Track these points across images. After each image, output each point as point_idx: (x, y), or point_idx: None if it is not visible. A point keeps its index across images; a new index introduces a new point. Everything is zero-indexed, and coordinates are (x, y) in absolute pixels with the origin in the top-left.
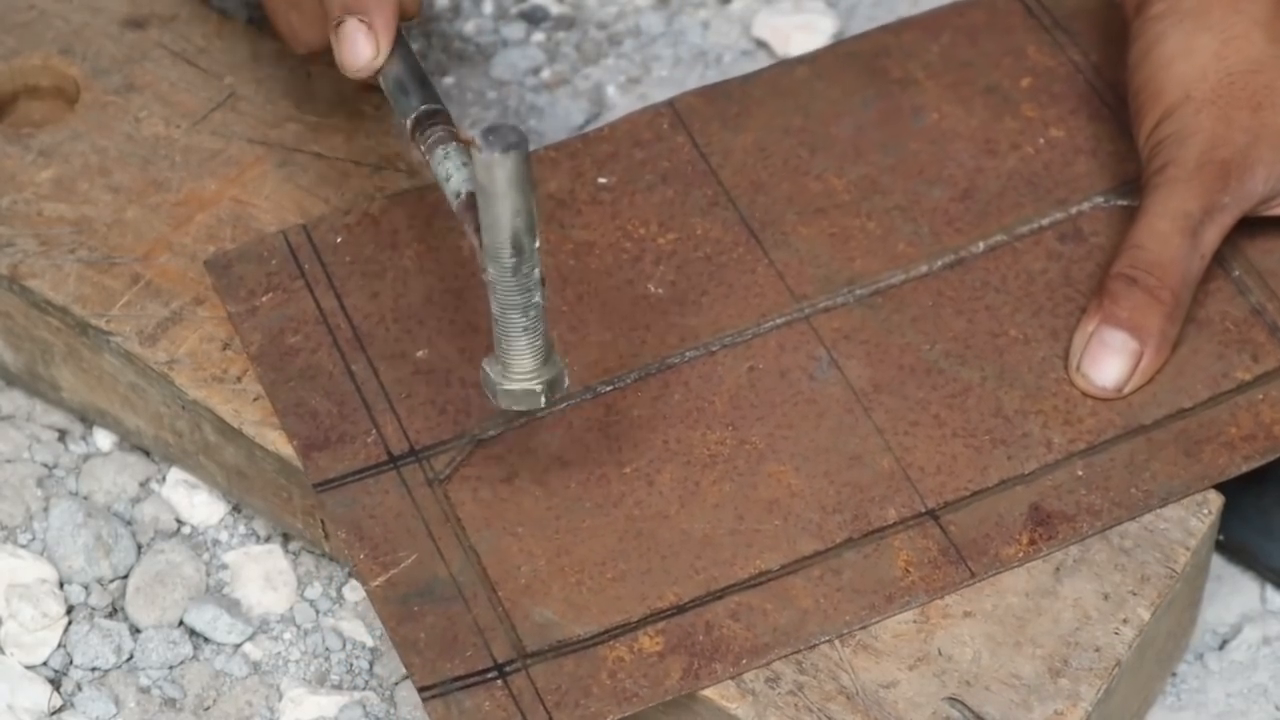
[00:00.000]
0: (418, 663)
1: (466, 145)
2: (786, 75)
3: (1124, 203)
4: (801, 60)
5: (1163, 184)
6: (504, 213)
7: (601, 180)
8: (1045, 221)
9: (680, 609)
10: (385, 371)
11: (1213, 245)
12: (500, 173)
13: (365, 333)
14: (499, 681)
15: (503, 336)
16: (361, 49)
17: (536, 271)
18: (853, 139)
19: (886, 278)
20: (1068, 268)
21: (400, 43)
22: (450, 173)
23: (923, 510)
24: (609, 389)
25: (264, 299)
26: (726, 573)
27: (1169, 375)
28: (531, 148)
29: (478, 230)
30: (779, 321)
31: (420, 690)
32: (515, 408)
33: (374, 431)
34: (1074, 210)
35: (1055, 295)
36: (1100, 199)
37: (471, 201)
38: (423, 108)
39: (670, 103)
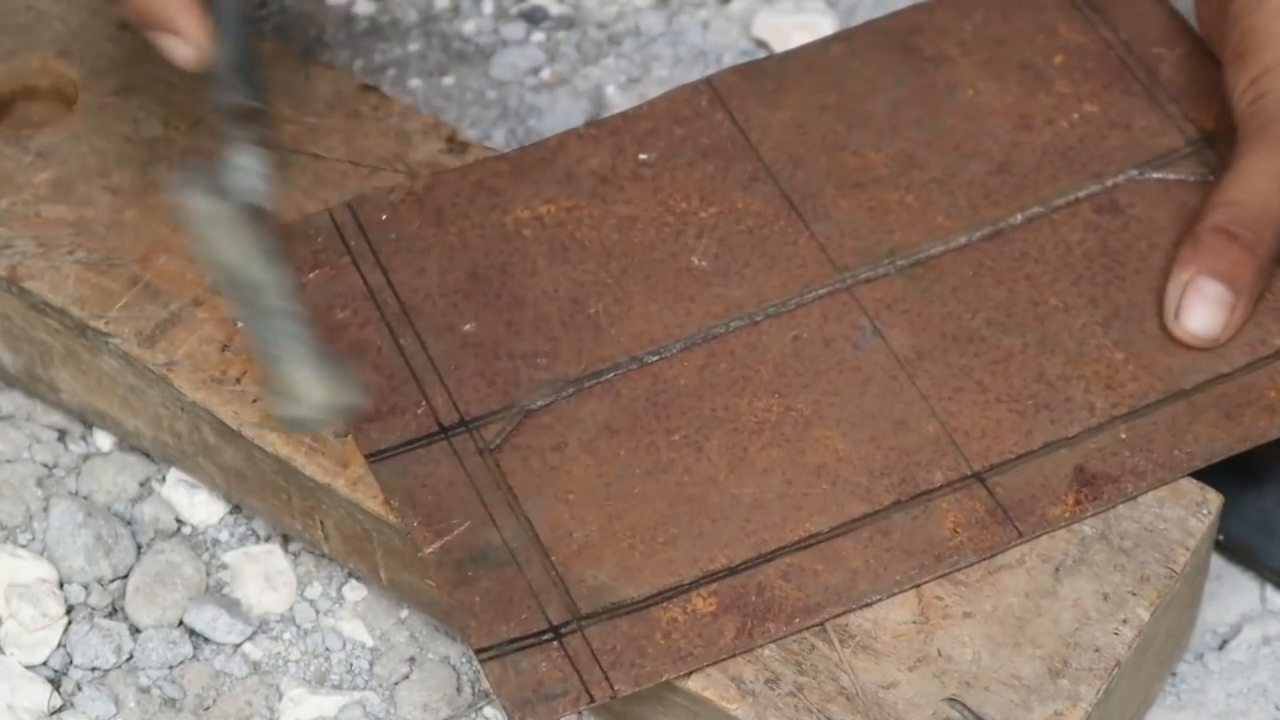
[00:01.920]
0: (474, 625)
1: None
2: (822, 53)
3: (1158, 175)
4: (837, 38)
5: (1266, 142)
6: (218, 254)
7: (642, 156)
8: (1081, 194)
9: (732, 570)
10: (433, 345)
11: None
12: (197, 218)
13: (412, 307)
14: (555, 643)
15: (275, 365)
16: (179, 55)
17: (281, 303)
18: (889, 115)
19: (926, 249)
20: (1105, 239)
21: (231, 25)
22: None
23: (969, 473)
24: (655, 359)
25: (311, 275)
26: (777, 535)
27: None
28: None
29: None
30: (821, 292)
31: (477, 652)
32: (299, 431)
33: (424, 403)
34: (1109, 183)
35: (1094, 265)
36: (1135, 172)
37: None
38: (240, 101)
39: (708, 80)
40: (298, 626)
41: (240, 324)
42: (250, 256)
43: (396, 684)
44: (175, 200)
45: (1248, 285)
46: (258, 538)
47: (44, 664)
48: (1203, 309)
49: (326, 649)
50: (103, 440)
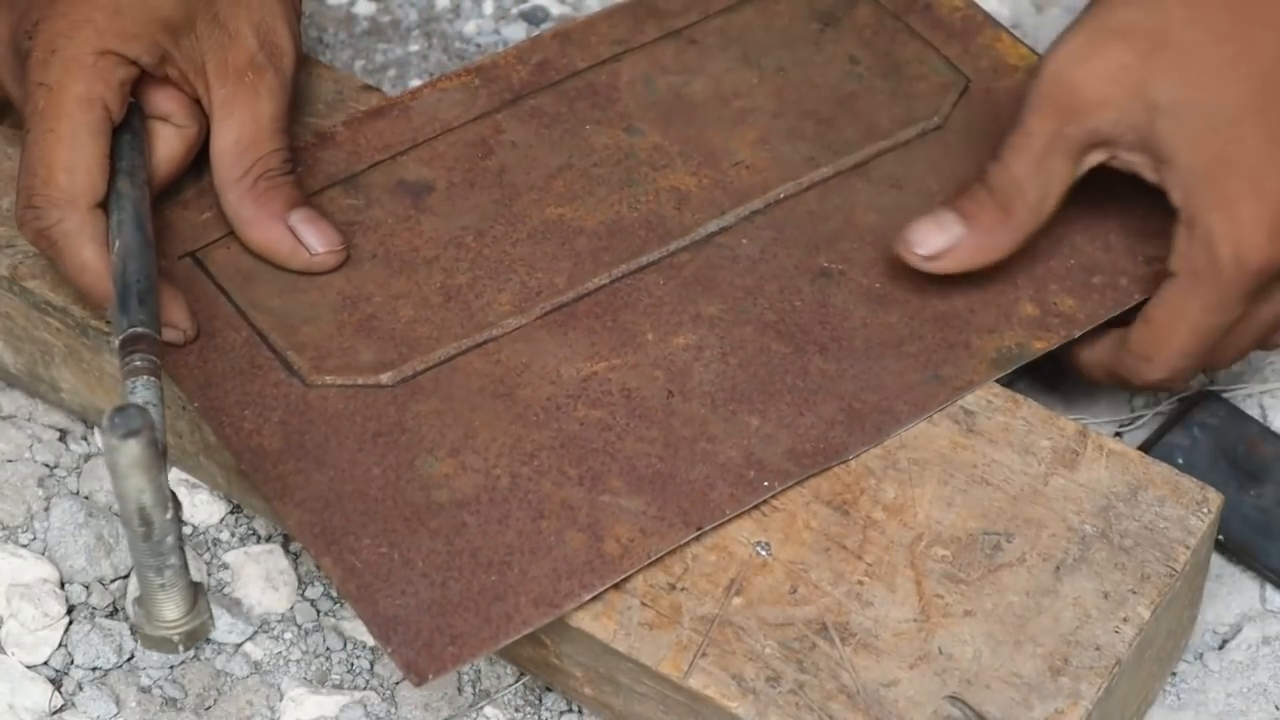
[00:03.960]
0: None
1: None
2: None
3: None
4: None
5: (1018, 123)
6: (128, 491)
7: None
8: None
9: None
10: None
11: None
12: (122, 458)
13: None
14: None
15: (143, 587)
16: (68, 268)
17: (171, 539)
18: None
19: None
20: None
21: (132, 230)
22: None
23: None
24: None
25: None
26: None
27: None
28: None
29: None
30: None
31: None
32: (154, 651)
33: None
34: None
35: None
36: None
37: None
38: (130, 330)
39: None
40: (299, 626)
41: (130, 551)
42: (158, 493)
43: (397, 683)
44: (107, 439)
45: (983, 226)
46: (259, 538)
47: (45, 664)
48: (927, 226)
49: (327, 649)
50: None
